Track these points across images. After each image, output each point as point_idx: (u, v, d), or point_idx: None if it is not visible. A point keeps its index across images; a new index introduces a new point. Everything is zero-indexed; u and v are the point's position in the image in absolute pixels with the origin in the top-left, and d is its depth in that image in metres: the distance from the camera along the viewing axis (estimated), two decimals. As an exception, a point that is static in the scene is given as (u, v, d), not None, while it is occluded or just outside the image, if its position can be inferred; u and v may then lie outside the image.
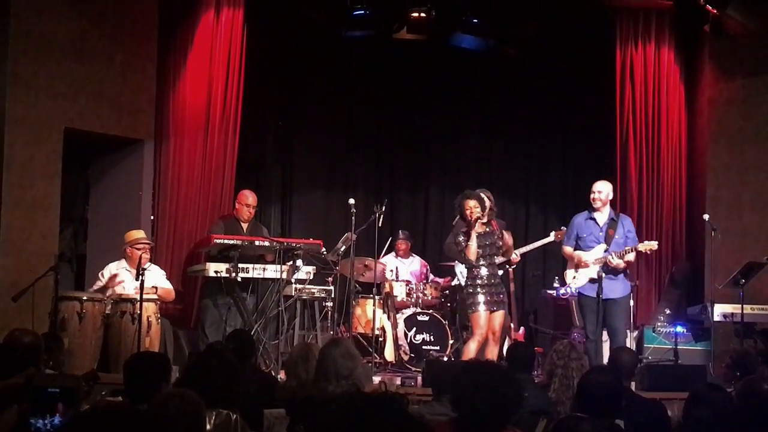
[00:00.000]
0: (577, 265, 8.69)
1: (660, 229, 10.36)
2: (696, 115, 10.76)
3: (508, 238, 8.58)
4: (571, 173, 12.20)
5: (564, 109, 12.08)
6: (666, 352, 9.49)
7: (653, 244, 8.73)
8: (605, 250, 8.59)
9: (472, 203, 8.21)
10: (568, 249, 8.87)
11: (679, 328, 9.69)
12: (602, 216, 8.74)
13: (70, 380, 3.05)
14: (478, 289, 8.20)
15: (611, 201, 8.91)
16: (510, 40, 10.90)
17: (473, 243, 8.17)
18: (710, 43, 10.46)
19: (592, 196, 8.77)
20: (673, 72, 10.66)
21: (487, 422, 3.67)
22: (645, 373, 8.17)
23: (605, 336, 8.81)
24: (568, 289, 9.25)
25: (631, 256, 8.62)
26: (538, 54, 11.39)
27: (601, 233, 8.69)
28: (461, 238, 8.30)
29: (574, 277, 8.69)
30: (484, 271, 8.24)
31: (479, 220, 8.17)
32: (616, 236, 8.64)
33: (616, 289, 8.60)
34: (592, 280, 8.54)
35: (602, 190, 8.74)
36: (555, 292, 10.67)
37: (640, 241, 8.84)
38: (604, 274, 8.48)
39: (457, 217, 9.58)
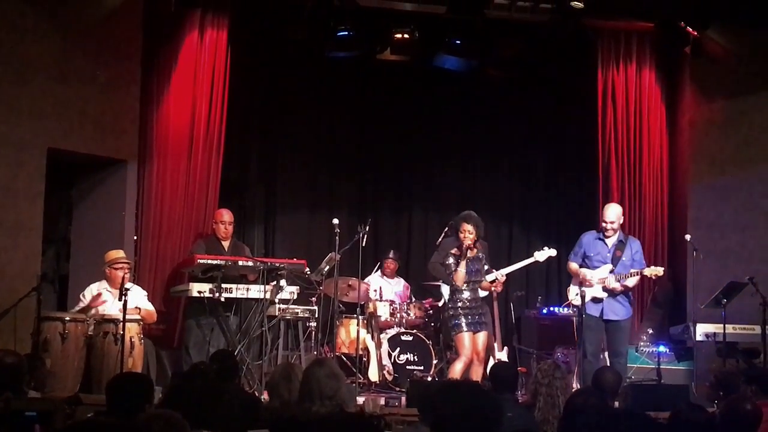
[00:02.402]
0: (581, 283, 8.72)
1: (642, 249, 10.38)
2: (677, 136, 10.84)
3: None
4: (554, 194, 12.28)
5: (546, 130, 12.15)
6: (649, 371, 9.53)
7: (659, 270, 8.71)
8: (610, 271, 8.63)
9: (469, 227, 8.26)
10: (573, 265, 8.90)
11: (662, 348, 9.73)
12: (612, 237, 8.78)
13: (48, 404, 3.06)
14: (460, 311, 8.26)
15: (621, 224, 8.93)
16: (493, 61, 10.97)
17: (462, 269, 8.22)
18: (691, 65, 10.57)
19: (603, 225, 8.78)
20: (654, 93, 10.75)
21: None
22: (628, 392, 8.17)
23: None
24: (570, 307, 9.33)
25: (631, 281, 8.64)
26: (520, 75, 11.45)
27: (608, 254, 8.73)
28: (451, 261, 8.33)
29: (577, 294, 8.71)
30: (466, 295, 8.31)
31: (470, 248, 8.21)
32: (623, 258, 8.68)
33: (618, 310, 8.65)
34: (594, 300, 8.59)
35: (614, 220, 8.75)
36: (538, 312, 10.71)
37: (648, 264, 8.89)
38: (606, 295, 8.55)
39: (442, 237, 9.61)
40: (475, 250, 8.35)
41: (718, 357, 9.18)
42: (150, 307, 8.72)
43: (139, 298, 8.60)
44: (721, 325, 8.99)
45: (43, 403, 3.04)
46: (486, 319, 8.46)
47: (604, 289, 8.60)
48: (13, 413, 2.90)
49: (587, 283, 8.65)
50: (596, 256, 8.76)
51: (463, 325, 8.23)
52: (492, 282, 8.61)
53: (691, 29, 10.10)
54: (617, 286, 8.59)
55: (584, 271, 8.75)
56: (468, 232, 8.25)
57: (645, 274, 8.68)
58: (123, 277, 8.17)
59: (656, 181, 10.73)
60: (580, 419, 4.15)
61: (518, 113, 12.08)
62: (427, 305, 10.41)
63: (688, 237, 9.61)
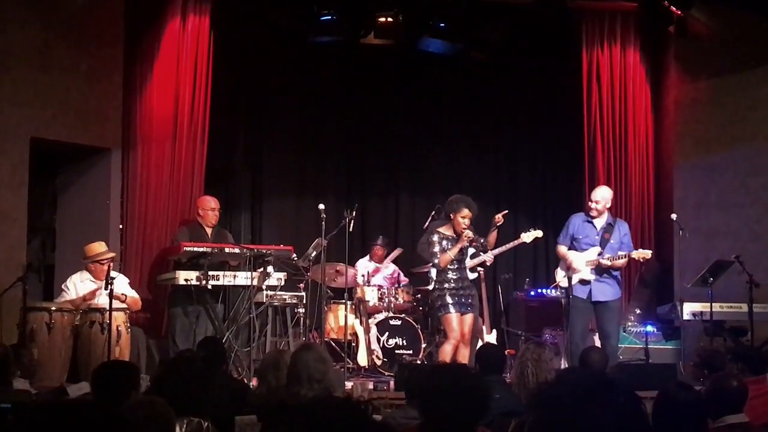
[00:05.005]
0: (568, 267, 8.72)
1: (630, 232, 10.40)
2: (662, 116, 10.85)
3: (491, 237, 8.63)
4: (540, 175, 12.28)
5: (532, 112, 12.14)
6: (637, 351, 9.55)
7: (647, 253, 8.72)
8: (599, 254, 8.63)
9: (470, 213, 8.25)
10: (562, 248, 8.89)
11: (650, 328, 9.76)
12: (600, 220, 8.79)
13: (22, 396, 3.04)
14: (446, 292, 8.24)
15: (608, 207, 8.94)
16: (477, 44, 10.94)
17: (452, 253, 8.18)
18: (675, 45, 10.56)
19: (588, 204, 8.80)
20: (638, 73, 10.73)
21: (455, 425, 3.65)
22: (616, 372, 8.19)
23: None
24: (557, 289, 9.33)
25: (621, 262, 8.65)
26: (505, 57, 11.42)
27: (597, 237, 8.73)
28: (435, 239, 8.28)
29: (564, 276, 8.71)
30: (452, 275, 8.28)
31: (468, 235, 8.17)
32: (612, 240, 8.69)
33: (607, 291, 8.65)
34: (582, 282, 8.59)
35: (599, 200, 8.76)
36: (526, 294, 10.73)
37: (636, 246, 8.90)
38: (594, 277, 8.55)
39: (429, 220, 9.59)
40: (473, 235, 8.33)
41: (706, 336, 9.22)
42: (134, 294, 8.69)
43: (123, 285, 8.57)
44: (708, 304, 9.02)
45: (17, 395, 3.02)
46: (474, 301, 8.45)
47: (597, 269, 8.60)
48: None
49: (574, 268, 8.65)
50: (584, 239, 8.76)
51: (450, 306, 8.22)
52: (480, 264, 8.63)
53: (674, 8, 10.08)
54: (607, 263, 8.58)
55: (572, 255, 8.74)
56: (469, 218, 8.25)
57: (633, 257, 8.68)
58: (108, 267, 8.15)
59: (642, 161, 10.74)
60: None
61: (504, 96, 12.06)
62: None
63: (674, 216, 9.63)
